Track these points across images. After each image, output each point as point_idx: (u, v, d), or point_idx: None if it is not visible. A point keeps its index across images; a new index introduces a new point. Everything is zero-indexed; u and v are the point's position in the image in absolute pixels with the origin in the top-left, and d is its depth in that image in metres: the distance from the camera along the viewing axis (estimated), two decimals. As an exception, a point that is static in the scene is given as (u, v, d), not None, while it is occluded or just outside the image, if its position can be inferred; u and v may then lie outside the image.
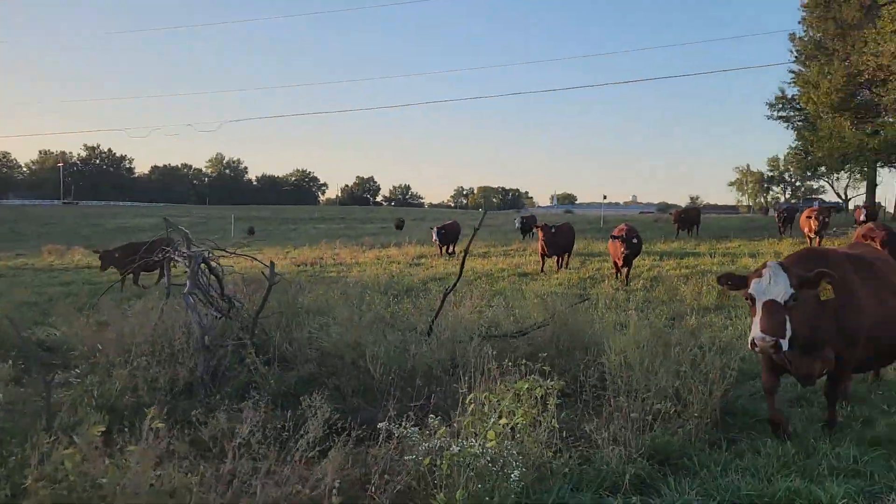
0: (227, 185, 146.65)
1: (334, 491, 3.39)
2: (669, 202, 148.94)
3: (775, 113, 48.06)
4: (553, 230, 16.26)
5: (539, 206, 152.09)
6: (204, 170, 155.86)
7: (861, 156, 35.35)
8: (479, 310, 7.81)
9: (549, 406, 4.25)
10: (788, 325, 4.41)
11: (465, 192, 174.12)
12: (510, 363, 4.74)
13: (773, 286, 4.44)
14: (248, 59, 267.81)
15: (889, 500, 3.95)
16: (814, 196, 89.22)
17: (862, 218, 24.38)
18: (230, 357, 6.25)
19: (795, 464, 4.46)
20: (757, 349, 4.40)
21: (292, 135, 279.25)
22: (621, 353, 5.30)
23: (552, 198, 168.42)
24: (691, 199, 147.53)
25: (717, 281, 5.03)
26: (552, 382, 4.25)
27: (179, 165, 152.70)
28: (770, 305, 4.42)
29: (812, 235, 20.84)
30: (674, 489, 4.03)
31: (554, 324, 6.62)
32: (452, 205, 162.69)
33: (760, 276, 4.55)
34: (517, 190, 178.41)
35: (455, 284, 7.36)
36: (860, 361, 5.23)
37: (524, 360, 4.74)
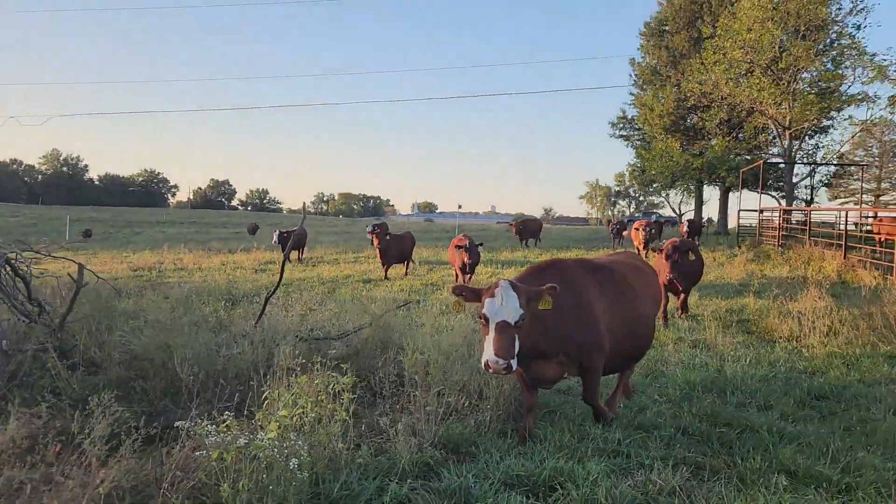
0: (64, 184, 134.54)
1: (103, 487, 3.42)
2: (526, 213, 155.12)
3: (617, 132, 51.61)
4: (388, 238, 16.64)
5: (401, 214, 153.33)
6: (38, 166, 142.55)
7: (687, 174, 38.64)
8: (304, 314, 7.93)
9: (343, 400, 4.49)
10: (517, 343, 4.53)
11: (325, 199, 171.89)
12: (306, 362, 4.94)
13: (504, 307, 4.51)
14: (88, 50, 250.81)
15: (638, 474, 4.52)
16: (654, 210, 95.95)
17: (685, 230, 26.75)
18: (31, 362, 5.99)
19: (568, 447, 4.96)
20: (490, 371, 4.45)
21: (140, 133, 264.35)
22: (418, 352, 5.65)
23: (413, 206, 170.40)
24: (545, 210, 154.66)
25: (451, 291, 5.01)
26: (345, 378, 4.50)
27: (7, 160, 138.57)
28: (502, 327, 4.48)
29: (640, 247, 22.56)
30: (453, 473, 4.38)
31: (372, 327, 6.89)
32: (312, 211, 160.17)
33: (493, 295, 4.58)
34: (378, 197, 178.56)
35: (276, 289, 7.45)
36: (606, 364, 5.43)
37: (321, 359, 4.95)
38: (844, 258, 18.24)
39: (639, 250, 22.66)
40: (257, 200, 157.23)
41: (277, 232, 22.46)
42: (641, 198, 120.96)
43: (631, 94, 48.96)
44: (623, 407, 6.11)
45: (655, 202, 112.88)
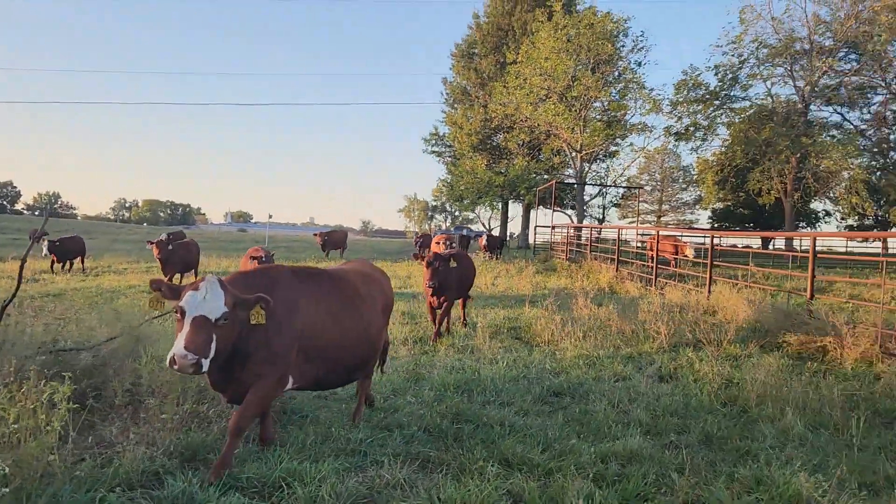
0: None
1: None
2: (345, 225, 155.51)
3: (430, 147, 53.27)
4: (170, 247, 16.04)
5: (213, 223, 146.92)
6: None
7: (491, 191, 40.74)
8: (52, 324, 7.42)
9: (60, 411, 4.31)
10: (214, 345, 4.18)
11: (127, 205, 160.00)
12: (16, 371, 4.69)
13: (207, 302, 4.18)
14: None
15: (370, 470, 4.76)
16: (466, 225, 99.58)
17: (484, 243, 28.16)
18: None
19: (310, 449, 5.10)
20: (176, 367, 4.01)
21: None
22: (157, 360, 5.56)
23: (227, 215, 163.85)
24: (363, 223, 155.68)
25: (150, 285, 4.52)
26: (64, 388, 4.32)
27: None
28: (200, 321, 4.13)
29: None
30: (179, 480, 4.34)
31: (125, 337, 6.62)
32: (112, 217, 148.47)
33: (196, 288, 4.25)
34: (188, 205, 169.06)
35: (13, 297, 6.91)
36: (318, 378, 5.24)
37: (36, 367, 4.71)
38: (616, 271, 20.19)
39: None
40: (47, 205, 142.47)
41: (47, 241, 20.72)
42: (457, 213, 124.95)
43: (443, 111, 50.94)
44: (374, 410, 6.36)
45: (470, 217, 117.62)
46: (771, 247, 42.47)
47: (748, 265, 17.29)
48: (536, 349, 9.73)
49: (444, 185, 48.81)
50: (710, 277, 14.41)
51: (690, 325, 10.43)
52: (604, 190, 52.28)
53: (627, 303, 13.86)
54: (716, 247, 22.15)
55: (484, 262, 24.54)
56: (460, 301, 11.86)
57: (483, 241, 28.75)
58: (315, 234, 27.10)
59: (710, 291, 14.04)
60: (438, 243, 23.61)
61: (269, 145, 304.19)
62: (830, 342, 9.30)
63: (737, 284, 13.95)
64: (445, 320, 10.89)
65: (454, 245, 24.59)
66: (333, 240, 26.50)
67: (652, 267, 19.20)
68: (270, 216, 47.04)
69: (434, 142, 52.50)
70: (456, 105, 48.78)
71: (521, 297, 16.23)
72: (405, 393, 7.01)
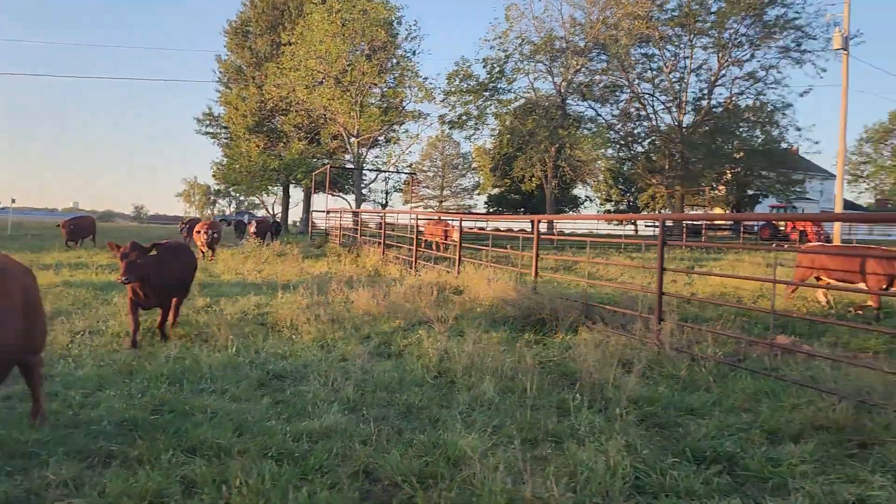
0: None
1: None
2: (116, 210, 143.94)
3: (204, 128, 50.67)
4: None
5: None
6: None
7: (266, 175, 39.73)
8: None
9: None
10: None
11: None
12: None
13: None
14: None
15: (34, 471, 4.43)
16: (247, 210, 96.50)
17: (252, 230, 27.35)
18: None
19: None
20: None
21: None
22: None
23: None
24: (136, 208, 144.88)
25: None
26: None
27: None
28: None
29: (203, 249, 22.30)
30: None
31: None
32: None
33: None
34: None
35: None
36: None
37: None
38: (383, 255, 20.67)
39: (202, 252, 22.35)
40: None
41: None
42: (241, 198, 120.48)
43: (217, 91, 48.69)
44: (68, 407, 5.94)
45: (256, 202, 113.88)
46: (543, 230, 45.90)
47: (506, 247, 18.55)
48: (276, 334, 9.64)
49: (218, 169, 46.68)
50: (459, 258, 15.24)
51: (431, 303, 10.95)
52: (386, 175, 53.19)
53: (384, 285, 14.22)
54: (495, 231, 23.57)
55: (254, 248, 23.84)
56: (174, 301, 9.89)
57: (252, 226, 27.91)
58: (59, 225, 24.57)
59: (458, 272, 14.85)
60: (199, 232, 22.53)
61: (25, 122, 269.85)
62: (547, 315, 10.25)
63: (481, 265, 14.89)
64: (170, 318, 9.69)
65: (217, 233, 23.61)
66: (80, 227, 24.15)
67: (419, 250, 19.92)
68: (13, 200, 41.97)
69: (208, 122, 50.09)
70: (231, 85, 46.86)
71: (282, 283, 16.00)
72: (110, 387, 6.61)
